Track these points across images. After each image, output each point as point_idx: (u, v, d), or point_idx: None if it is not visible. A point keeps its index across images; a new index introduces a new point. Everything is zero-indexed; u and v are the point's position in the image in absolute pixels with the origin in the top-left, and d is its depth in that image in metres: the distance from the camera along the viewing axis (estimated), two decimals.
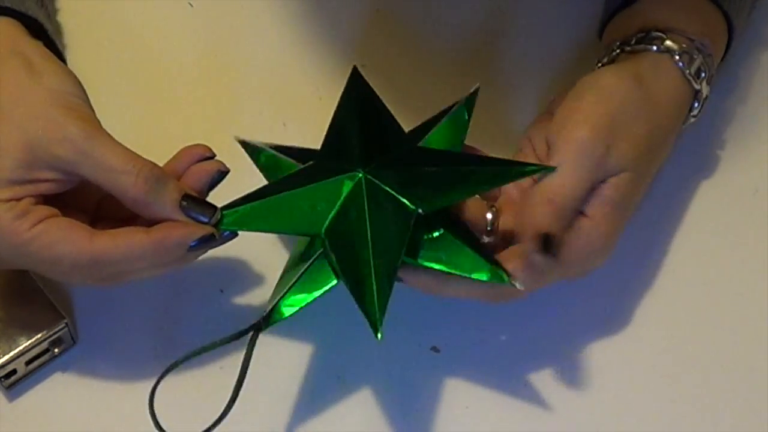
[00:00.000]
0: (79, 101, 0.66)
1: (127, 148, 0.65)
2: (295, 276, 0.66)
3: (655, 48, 0.71)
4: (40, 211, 0.64)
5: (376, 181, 0.67)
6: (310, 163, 0.68)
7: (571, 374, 0.71)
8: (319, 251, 0.66)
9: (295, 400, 0.70)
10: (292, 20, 0.84)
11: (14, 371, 0.69)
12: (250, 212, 0.66)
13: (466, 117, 0.71)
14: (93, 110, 0.67)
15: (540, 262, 0.65)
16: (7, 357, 0.68)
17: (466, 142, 0.70)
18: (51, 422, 0.69)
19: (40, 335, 0.69)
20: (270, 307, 0.65)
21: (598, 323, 0.73)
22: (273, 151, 0.70)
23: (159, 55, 0.74)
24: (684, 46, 0.70)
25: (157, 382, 0.64)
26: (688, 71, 0.70)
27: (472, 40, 0.84)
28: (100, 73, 0.79)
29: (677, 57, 0.70)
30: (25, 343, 0.69)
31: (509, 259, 0.66)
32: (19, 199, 0.64)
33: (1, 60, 0.67)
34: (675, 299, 0.74)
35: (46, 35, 0.72)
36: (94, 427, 0.69)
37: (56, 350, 0.70)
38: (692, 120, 0.72)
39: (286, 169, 0.69)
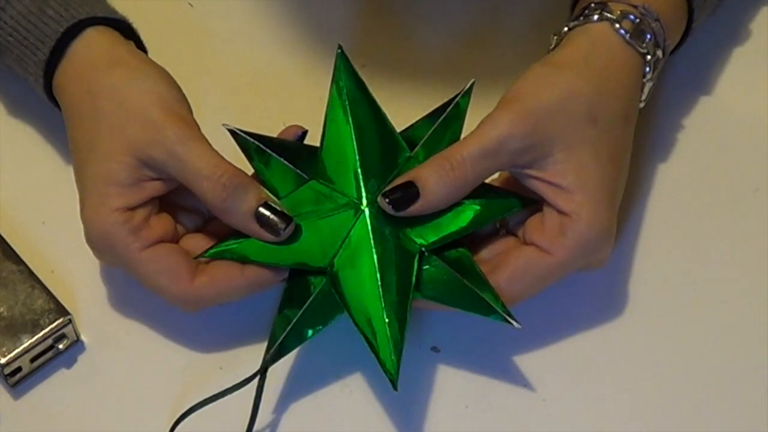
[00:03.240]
0: (175, 101, 0.69)
1: (216, 153, 0.67)
2: (296, 311, 0.67)
3: (595, 17, 0.71)
4: (154, 231, 0.68)
5: (380, 217, 0.68)
6: (307, 181, 0.70)
7: (572, 374, 0.71)
8: (320, 286, 0.67)
9: (295, 400, 0.70)
10: (292, 20, 0.84)
11: (19, 369, 0.69)
12: (251, 245, 0.67)
13: (463, 112, 0.72)
14: (190, 109, 0.70)
15: (386, 208, 0.67)
16: (11, 355, 0.68)
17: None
18: (56, 419, 0.70)
19: (44, 332, 0.69)
20: (273, 348, 0.66)
21: (598, 323, 0.73)
22: (264, 148, 0.70)
23: (159, 55, 0.74)
24: (623, 11, 0.70)
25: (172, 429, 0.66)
26: (628, 35, 0.70)
27: (472, 41, 0.84)
28: None
29: (617, 25, 0.70)
30: (30, 341, 0.69)
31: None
32: (133, 209, 0.67)
33: (102, 72, 0.70)
34: (675, 299, 0.74)
35: (133, 35, 0.74)
36: (100, 424, 0.70)
37: (60, 347, 0.70)
38: (650, 84, 0.72)
39: (276, 170, 0.70)
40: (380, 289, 0.66)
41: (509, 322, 0.66)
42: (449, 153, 0.67)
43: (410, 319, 0.66)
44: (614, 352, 0.72)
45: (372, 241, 0.68)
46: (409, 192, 0.67)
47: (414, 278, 0.67)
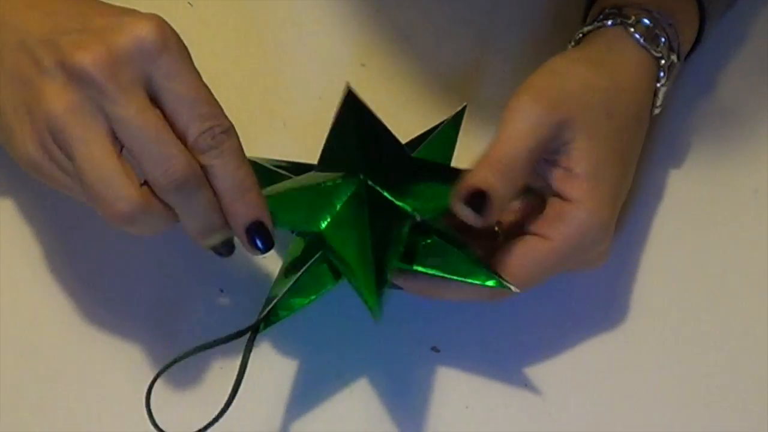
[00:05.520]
0: None
1: None
2: (292, 279, 0.66)
3: (610, 22, 0.71)
4: None
5: (376, 186, 0.67)
6: (310, 173, 0.69)
7: (572, 374, 0.71)
8: (316, 255, 0.66)
9: (295, 400, 0.70)
10: (291, 20, 0.84)
11: None
12: None
13: (454, 135, 0.71)
14: None
15: (470, 216, 0.65)
16: None
17: (455, 158, 0.71)
18: (49, 417, 0.69)
19: None
20: (267, 309, 0.66)
21: (598, 323, 0.73)
22: (265, 164, 0.70)
23: None
24: (637, 16, 0.71)
25: (153, 380, 0.64)
26: (642, 39, 0.70)
27: (473, 41, 0.84)
28: None
29: (632, 29, 0.70)
30: None
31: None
32: None
33: None
34: (675, 299, 0.74)
35: None
36: (98, 423, 0.70)
37: None
38: (664, 89, 0.72)
39: (280, 181, 0.69)
40: (371, 246, 0.65)
41: (507, 287, 0.65)
42: (501, 155, 0.66)
43: (394, 270, 0.65)
44: (615, 353, 0.72)
45: (366, 206, 0.66)
46: (481, 199, 0.65)
47: (404, 238, 0.66)
